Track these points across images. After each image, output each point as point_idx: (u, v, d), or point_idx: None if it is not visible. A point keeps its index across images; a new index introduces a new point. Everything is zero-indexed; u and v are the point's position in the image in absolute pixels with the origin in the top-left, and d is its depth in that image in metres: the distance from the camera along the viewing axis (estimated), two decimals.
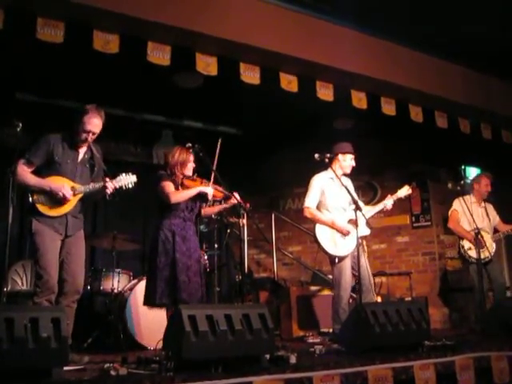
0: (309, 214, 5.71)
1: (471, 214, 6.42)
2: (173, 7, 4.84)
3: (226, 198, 4.96)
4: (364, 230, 5.67)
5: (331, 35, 5.77)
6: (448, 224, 6.93)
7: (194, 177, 4.89)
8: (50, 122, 7.08)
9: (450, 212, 6.94)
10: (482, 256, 6.42)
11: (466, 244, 6.61)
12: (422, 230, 8.36)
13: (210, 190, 4.79)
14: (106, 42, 4.66)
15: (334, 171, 5.65)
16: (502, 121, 7.26)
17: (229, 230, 7.45)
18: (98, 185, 4.46)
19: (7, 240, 3.95)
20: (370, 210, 5.82)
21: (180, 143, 5.07)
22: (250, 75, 5.37)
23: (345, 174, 5.81)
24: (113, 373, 3.32)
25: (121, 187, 4.50)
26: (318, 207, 5.76)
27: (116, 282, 6.08)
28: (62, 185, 4.31)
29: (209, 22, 4.98)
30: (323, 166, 5.54)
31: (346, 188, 5.38)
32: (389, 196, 5.85)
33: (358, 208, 5.14)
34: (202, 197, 4.85)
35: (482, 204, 6.90)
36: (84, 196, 4.48)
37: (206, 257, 6.59)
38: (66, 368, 3.34)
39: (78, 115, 4.47)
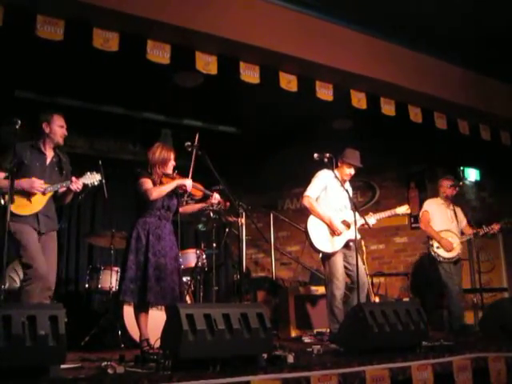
0: (307, 203, 5.73)
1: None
2: (173, 5, 4.83)
3: (206, 197, 4.96)
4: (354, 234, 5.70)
5: (331, 35, 5.77)
6: (419, 224, 7.10)
7: (174, 175, 4.88)
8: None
9: (420, 213, 7.10)
10: (450, 255, 6.73)
11: (435, 243, 6.79)
12: (420, 230, 8.26)
13: (188, 182, 4.78)
14: (106, 40, 4.65)
15: (337, 173, 5.73)
16: (501, 122, 7.26)
17: (227, 230, 7.45)
18: (65, 183, 4.61)
19: (5, 237, 3.95)
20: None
21: (179, 142, 5.06)
22: (250, 74, 5.37)
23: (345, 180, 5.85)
24: (110, 371, 3.32)
25: (87, 185, 4.68)
26: (317, 201, 5.77)
27: (114, 280, 6.07)
28: (32, 180, 4.47)
29: (209, 21, 4.97)
30: (323, 165, 5.54)
31: (346, 191, 5.43)
32: (370, 214, 5.87)
33: (356, 210, 5.21)
34: (180, 193, 4.84)
35: (451, 206, 7.03)
36: (55, 196, 4.65)
37: (204, 256, 6.59)
38: (63, 366, 3.33)
39: (46, 123, 4.65)
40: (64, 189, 4.65)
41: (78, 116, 7.56)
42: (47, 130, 4.66)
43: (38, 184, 4.47)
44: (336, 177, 5.59)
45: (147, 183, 4.73)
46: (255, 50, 5.25)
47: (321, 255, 5.77)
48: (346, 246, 5.69)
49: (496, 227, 6.85)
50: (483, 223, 6.97)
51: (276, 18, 5.42)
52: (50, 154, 4.72)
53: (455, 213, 7.00)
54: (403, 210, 5.93)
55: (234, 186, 4.97)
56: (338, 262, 5.63)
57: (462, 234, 6.97)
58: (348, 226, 5.65)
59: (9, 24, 4.34)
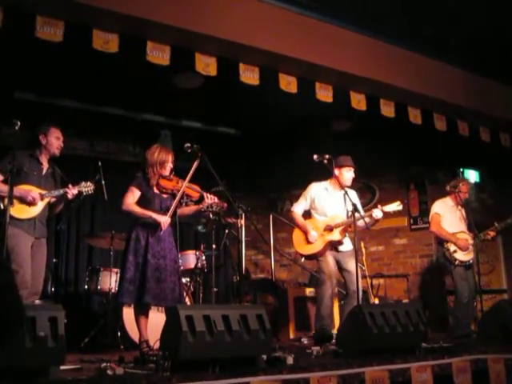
0: (290, 217, 6.16)
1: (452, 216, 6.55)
2: (172, 7, 4.83)
3: (203, 199, 4.96)
4: (346, 246, 5.85)
5: (331, 36, 5.77)
6: (430, 228, 6.76)
7: (171, 176, 4.89)
8: (49, 121, 7.09)
9: (430, 215, 6.78)
10: (468, 258, 6.46)
11: (452, 247, 6.47)
12: (419, 232, 8.34)
13: (163, 219, 4.72)
14: (106, 42, 4.65)
15: (332, 183, 5.92)
16: (501, 124, 7.26)
17: (227, 231, 7.45)
18: (61, 190, 4.93)
19: (4, 240, 3.95)
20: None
21: (179, 143, 5.06)
22: (250, 76, 5.37)
23: (347, 186, 5.85)
24: (109, 372, 3.31)
25: (81, 192, 5.01)
26: (310, 211, 6.02)
27: (113, 282, 6.07)
28: (29, 189, 4.76)
29: (209, 22, 4.97)
30: (322, 167, 5.54)
31: (345, 197, 5.52)
32: (379, 206, 5.84)
33: (353, 216, 5.30)
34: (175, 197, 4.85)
35: (459, 207, 6.77)
36: (50, 203, 4.97)
37: (203, 257, 6.58)
38: (62, 367, 3.33)
39: (43, 135, 4.94)
40: (60, 194, 4.91)
41: (78, 117, 7.57)
42: (43, 142, 4.93)
43: (35, 195, 4.73)
44: (327, 188, 5.88)
45: (131, 193, 4.79)
46: (255, 51, 5.24)
47: (303, 259, 6.08)
48: (336, 249, 5.77)
49: (492, 233, 6.65)
50: (482, 225, 6.91)
51: (276, 19, 5.41)
52: (45, 165, 5.00)
53: (462, 214, 6.75)
54: (394, 206, 5.80)
55: (234, 188, 4.97)
56: (326, 262, 5.76)
57: None
58: (331, 229, 5.79)
59: (8, 25, 4.33)
